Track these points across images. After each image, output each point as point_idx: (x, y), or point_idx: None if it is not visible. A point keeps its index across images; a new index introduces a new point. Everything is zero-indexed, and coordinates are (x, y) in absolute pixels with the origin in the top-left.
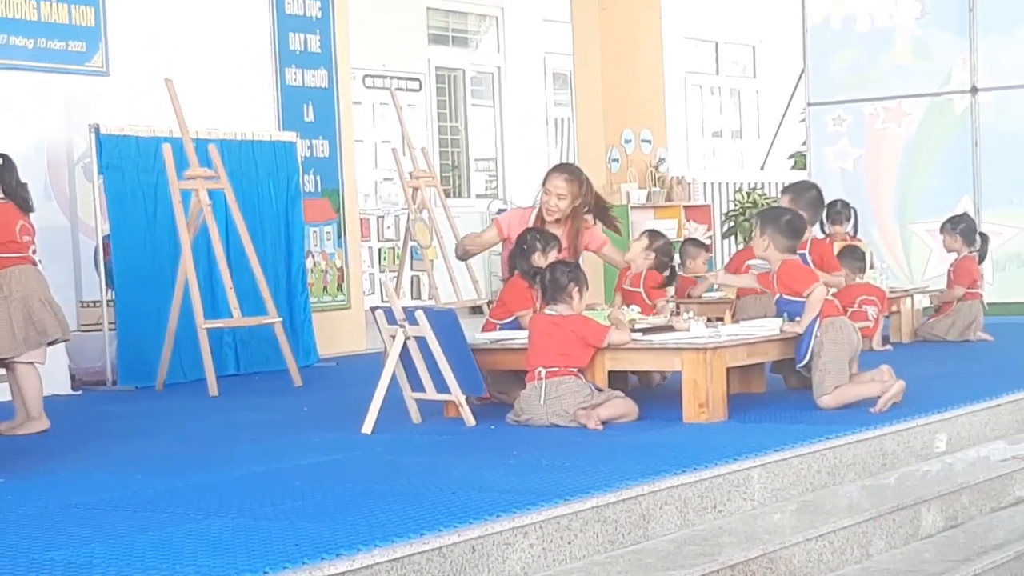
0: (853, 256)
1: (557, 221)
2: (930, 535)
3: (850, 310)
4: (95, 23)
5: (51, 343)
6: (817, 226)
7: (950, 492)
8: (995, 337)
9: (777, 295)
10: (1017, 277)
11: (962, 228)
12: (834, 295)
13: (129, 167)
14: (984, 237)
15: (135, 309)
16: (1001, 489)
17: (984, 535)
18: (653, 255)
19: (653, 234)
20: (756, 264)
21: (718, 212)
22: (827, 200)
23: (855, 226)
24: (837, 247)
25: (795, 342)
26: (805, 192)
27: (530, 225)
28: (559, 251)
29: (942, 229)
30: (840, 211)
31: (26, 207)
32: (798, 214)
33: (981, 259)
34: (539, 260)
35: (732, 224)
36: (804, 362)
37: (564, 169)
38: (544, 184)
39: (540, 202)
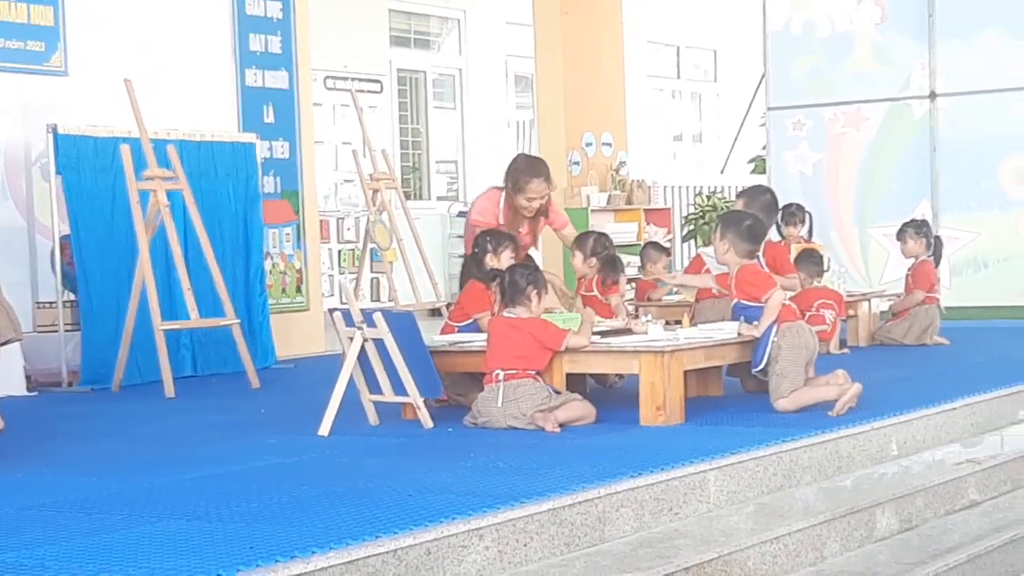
0: (811, 260)
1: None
2: (884, 538)
3: (808, 314)
4: (54, 23)
5: (4, 343)
6: (773, 229)
7: (905, 495)
8: (951, 341)
9: (735, 300)
10: (973, 282)
11: (925, 232)
12: (791, 299)
13: (87, 167)
14: (938, 240)
15: (89, 310)
16: (955, 492)
17: (938, 538)
18: (593, 259)
19: (581, 242)
20: (706, 252)
21: (678, 215)
22: (781, 203)
23: (810, 229)
24: (794, 251)
25: (752, 345)
26: (759, 196)
27: (501, 209)
28: (513, 250)
29: (901, 234)
30: (794, 213)
31: None
32: (759, 219)
33: (936, 262)
34: (491, 261)
35: (692, 228)
36: (760, 367)
37: (539, 169)
38: (521, 190)
39: (514, 201)
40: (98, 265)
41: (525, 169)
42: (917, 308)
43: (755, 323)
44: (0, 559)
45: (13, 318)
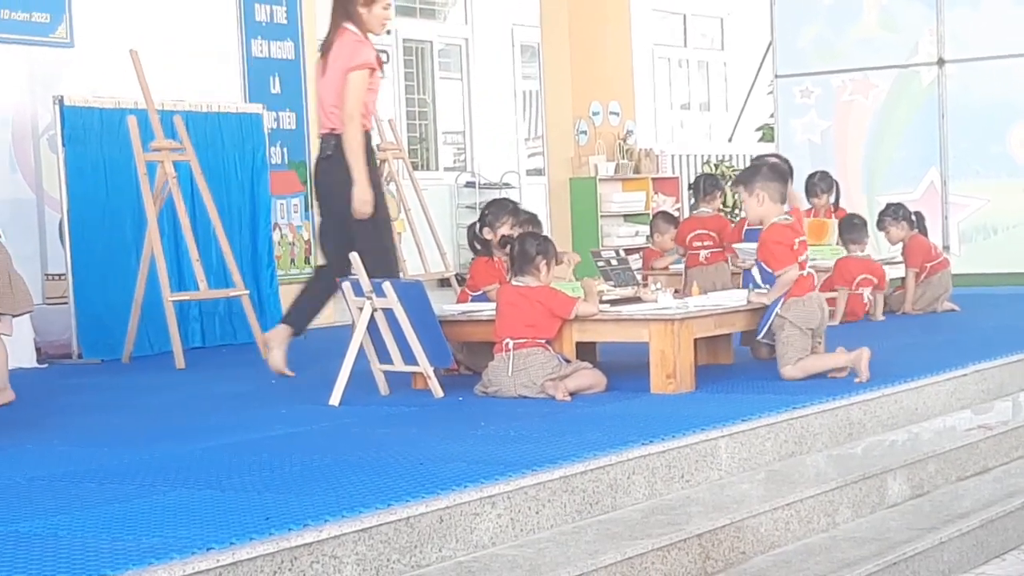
0: (852, 227)
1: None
2: (896, 504)
3: (847, 292)
4: None
5: (20, 314)
6: (803, 198)
7: (916, 461)
8: (961, 308)
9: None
10: (983, 248)
11: (902, 213)
12: (834, 268)
13: (93, 139)
14: (919, 215)
15: (96, 282)
16: (967, 458)
17: (950, 504)
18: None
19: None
20: (739, 247)
21: (686, 184)
22: (795, 173)
23: (837, 197)
24: (821, 220)
25: (762, 312)
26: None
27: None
28: (512, 224)
29: (881, 224)
30: (817, 183)
31: None
32: (775, 161)
33: (924, 234)
34: (488, 235)
35: None
36: (761, 335)
37: None
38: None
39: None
40: (101, 237)
41: None
42: (929, 278)
43: (765, 287)
44: (13, 528)
45: (25, 290)
